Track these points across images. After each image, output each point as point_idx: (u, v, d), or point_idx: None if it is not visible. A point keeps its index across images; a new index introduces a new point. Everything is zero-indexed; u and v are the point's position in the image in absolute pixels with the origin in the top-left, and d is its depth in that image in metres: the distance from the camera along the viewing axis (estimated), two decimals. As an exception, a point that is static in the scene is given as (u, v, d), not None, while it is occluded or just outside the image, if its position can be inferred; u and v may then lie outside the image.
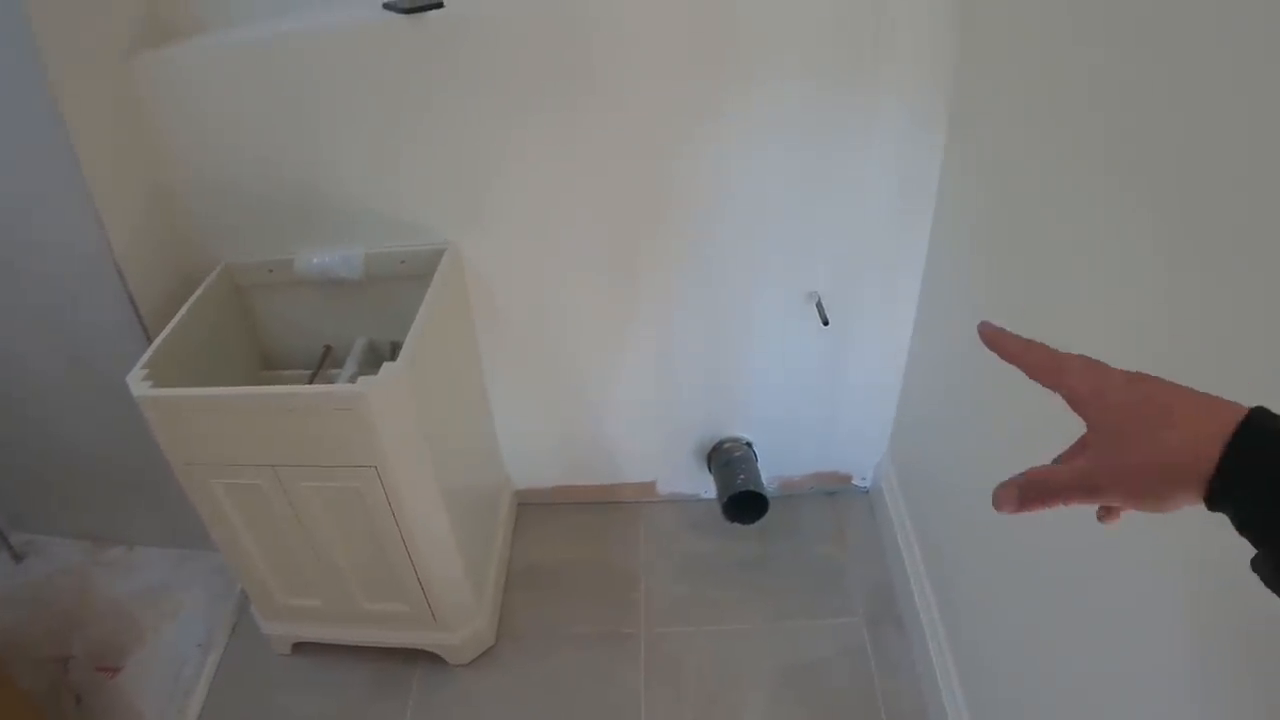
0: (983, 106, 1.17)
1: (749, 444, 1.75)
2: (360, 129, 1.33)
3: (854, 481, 1.88)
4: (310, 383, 1.55)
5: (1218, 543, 0.71)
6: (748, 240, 1.44)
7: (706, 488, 1.84)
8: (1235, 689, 0.70)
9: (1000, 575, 1.21)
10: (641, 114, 1.29)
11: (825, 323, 1.47)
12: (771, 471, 1.80)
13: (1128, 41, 0.80)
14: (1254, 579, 0.39)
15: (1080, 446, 0.51)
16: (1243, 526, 0.39)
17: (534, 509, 1.91)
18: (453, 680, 1.60)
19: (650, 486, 1.88)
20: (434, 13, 1.19)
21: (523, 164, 1.35)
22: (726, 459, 1.71)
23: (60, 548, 1.91)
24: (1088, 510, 0.96)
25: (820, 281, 1.49)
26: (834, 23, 1.20)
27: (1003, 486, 0.47)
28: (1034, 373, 0.49)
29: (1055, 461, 0.53)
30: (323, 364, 1.60)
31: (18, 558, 1.89)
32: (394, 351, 1.46)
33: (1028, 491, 0.46)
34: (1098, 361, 0.48)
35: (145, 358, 1.25)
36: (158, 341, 1.29)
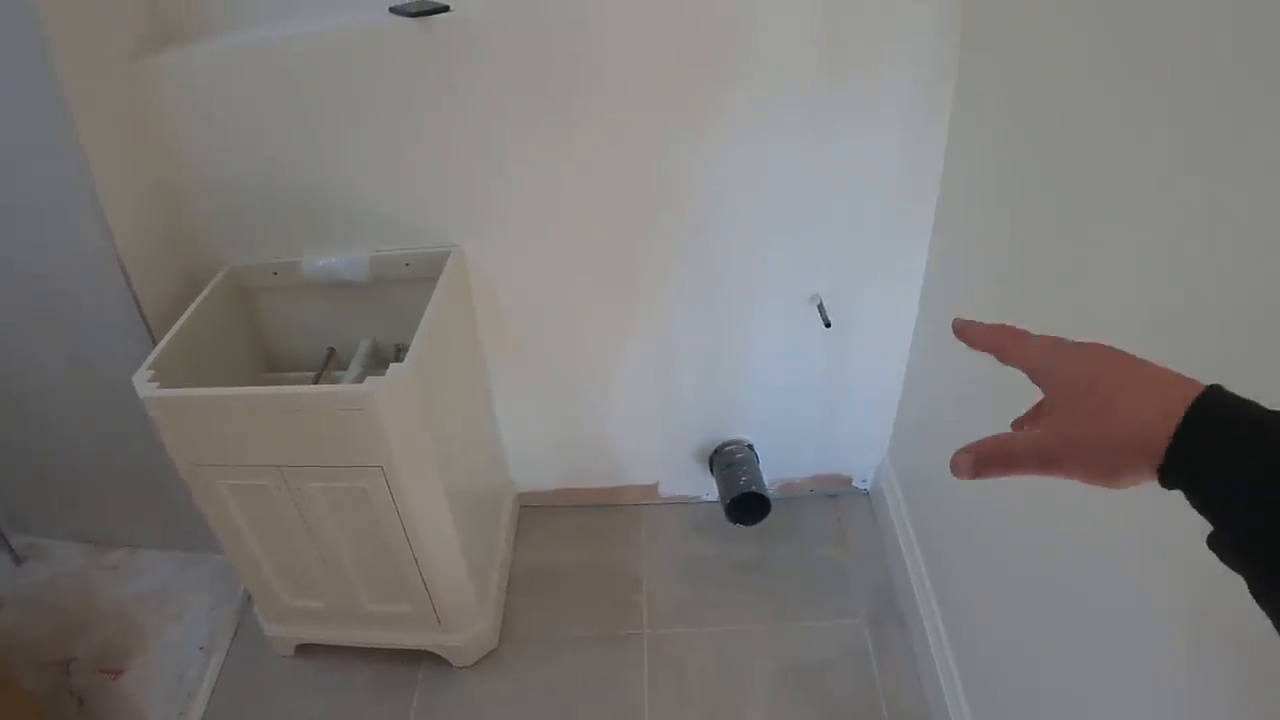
0: (985, 105, 1.18)
1: (750, 446, 1.76)
2: (366, 131, 1.34)
3: (855, 483, 1.89)
4: (315, 382, 1.56)
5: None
6: (749, 242, 1.45)
7: (708, 490, 1.84)
8: (1231, 690, 0.70)
9: (1001, 576, 1.22)
10: (641, 115, 1.30)
11: (827, 325, 1.48)
12: (773, 474, 1.81)
13: (1142, 35, 0.81)
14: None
15: (1036, 413, 0.51)
16: (1195, 501, 0.40)
17: (536, 511, 1.92)
18: (455, 682, 1.60)
19: (652, 489, 1.89)
20: (440, 16, 1.20)
21: (527, 166, 1.37)
22: (728, 461, 1.72)
23: (62, 550, 1.91)
24: (1089, 511, 0.96)
25: (821, 283, 1.50)
26: (826, 12, 1.20)
27: (961, 452, 0.47)
28: (1000, 354, 0.50)
29: (1014, 426, 0.54)
30: (326, 366, 1.61)
31: (19, 560, 1.89)
32: (398, 354, 1.47)
33: (983, 459, 0.47)
34: (1058, 338, 0.48)
35: (151, 359, 1.25)
36: (163, 343, 1.29)
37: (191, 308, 1.38)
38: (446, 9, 1.19)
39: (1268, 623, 0.37)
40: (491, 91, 1.28)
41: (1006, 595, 1.20)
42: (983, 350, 0.51)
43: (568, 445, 1.81)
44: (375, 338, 1.55)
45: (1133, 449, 0.41)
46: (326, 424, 1.21)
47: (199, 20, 1.34)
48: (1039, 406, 0.49)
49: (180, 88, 1.33)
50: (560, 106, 1.29)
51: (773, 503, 1.69)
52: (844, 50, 1.23)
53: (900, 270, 1.48)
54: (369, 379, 1.16)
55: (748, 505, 1.69)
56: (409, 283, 1.44)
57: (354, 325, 1.56)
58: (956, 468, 0.47)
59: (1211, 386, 0.41)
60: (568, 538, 1.87)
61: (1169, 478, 0.40)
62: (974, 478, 0.47)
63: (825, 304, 1.50)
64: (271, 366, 1.64)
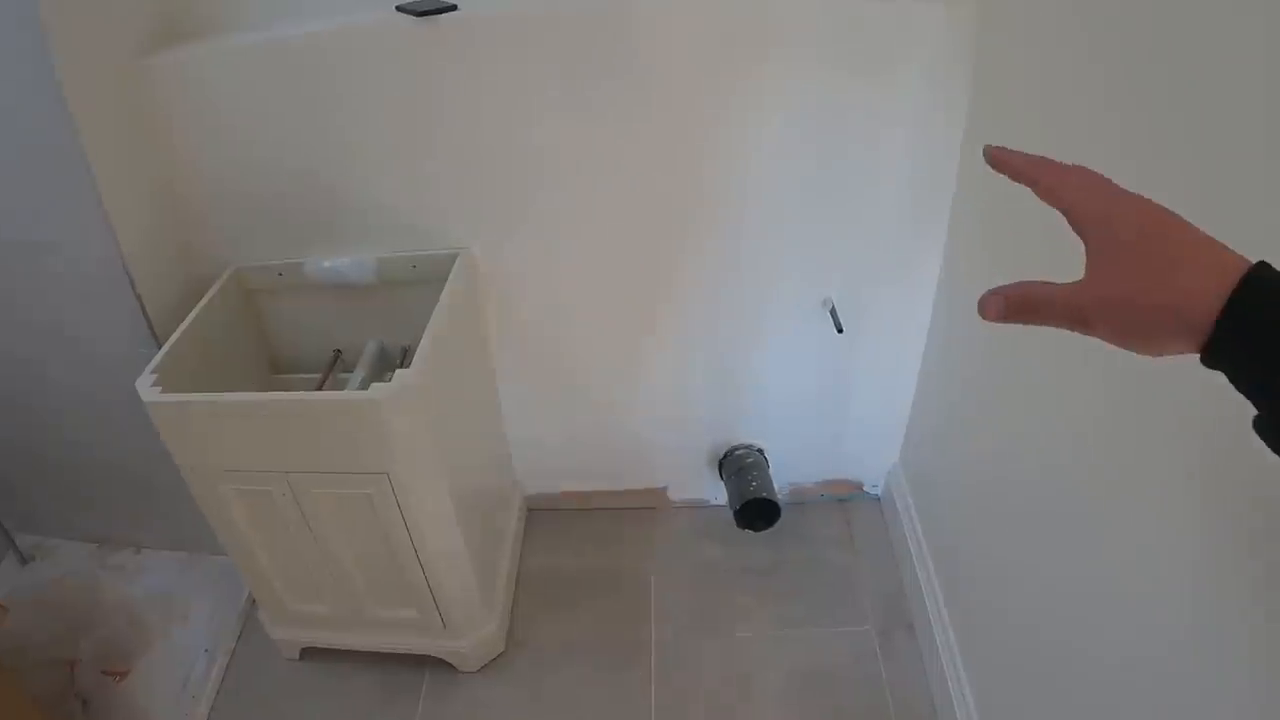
0: (1001, 109, 1.16)
1: (761, 450, 1.74)
2: (373, 132, 1.32)
3: (865, 488, 1.87)
4: (320, 387, 1.54)
5: (1230, 554, 0.71)
6: (761, 244, 1.42)
7: (718, 494, 1.82)
8: (1243, 697, 0.68)
9: (1012, 582, 1.20)
10: (656, 116, 1.28)
11: (840, 330, 1.45)
12: (783, 478, 1.79)
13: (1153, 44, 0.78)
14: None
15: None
16: (1240, 382, 0.38)
17: (544, 514, 1.91)
18: (461, 687, 1.59)
19: (662, 493, 1.87)
20: (447, 15, 1.18)
21: (537, 168, 1.35)
22: (738, 466, 1.70)
23: (68, 550, 1.91)
24: (1100, 516, 0.94)
25: (834, 287, 1.48)
26: (849, 15, 1.18)
27: (991, 293, 0.45)
28: (1041, 190, 0.47)
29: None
30: (333, 368, 1.59)
31: (25, 560, 1.88)
32: (405, 357, 1.45)
33: (1014, 304, 0.45)
34: (1104, 179, 0.45)
35: (154, 362, 1.24)
36: (166, 346, 1.28)
37: (196, 310, 1.36)
38: (453, 8, 1.17)
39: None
40: (500, 91, 1.26)
41: (1018, 601, 1.18)
42: (1019, 181, 0.48)
43: (576, 448, 1.79)
44: (382, 340, 1.54)
45: (1176, 318, 0.39)
46: (331, 430, 1.19)
47: (204, 19, 1.32)
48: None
49: (184, 87, 1.31)
50: (571, 106, 1.27)
51: (783, 508, 1.67)
52: (861, 52, 1.21)
53: (915, 274, 1.45)
54: (374, 385, 1.15)
55: (758, 511, 1.67)
56: (416, 285, 1.42)
57: (360, 327, 1.55)
58: (984, 307, 0.45)
59: (1260, 263, 0.39)
60: (576, 541, 1.85)
61: (1213, 354, 0.38)
62: (1001, 320, 0.45)
63: (838, 308, 1.48)
64: (277, 368, 1.63)
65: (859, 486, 1.87)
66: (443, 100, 1.28)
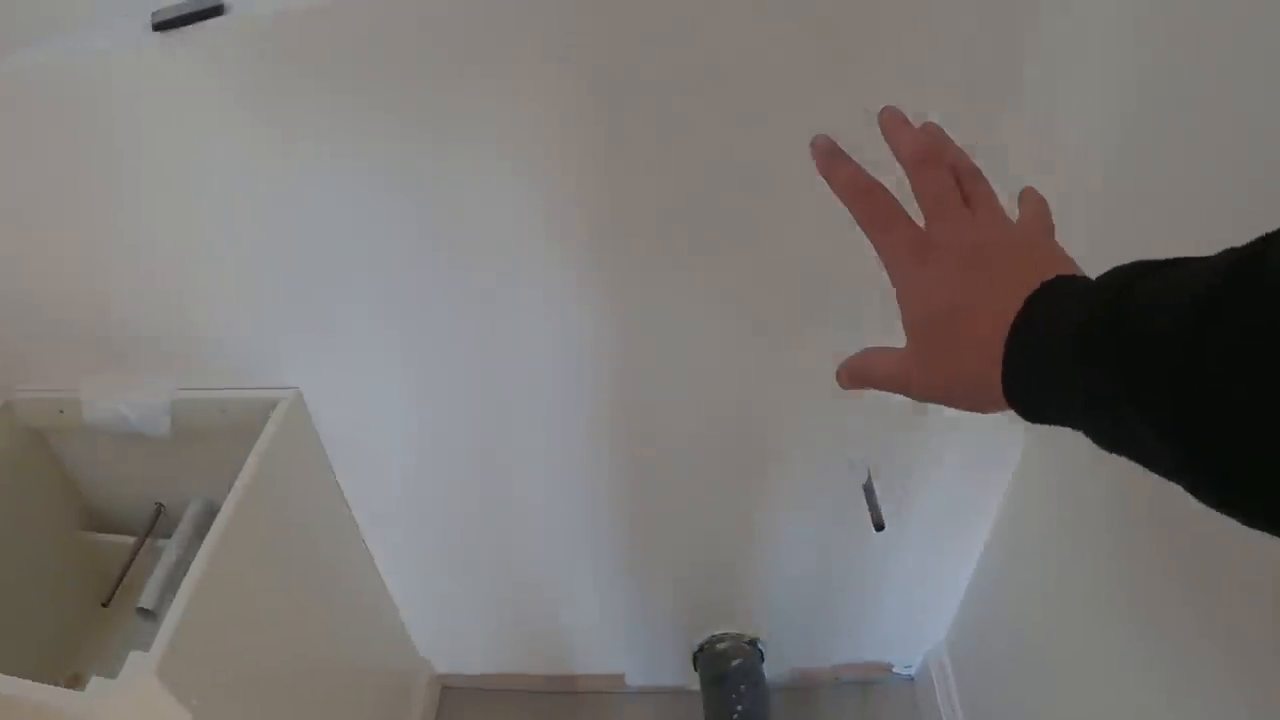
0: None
1: (753, 643, 1.25)
2: (148, 213, 0.87)
3: (895, 669, 1.38)
4: (136, 553, 1.13)
5: None
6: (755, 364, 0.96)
7: (692, 678, 1.35)
8: None
9: None
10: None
11: (879, 527, 0.96)
12: (784, 665, 1.31)
13: None
14: None
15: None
16: (1072, 423, 0.34)
17: (466, 696, 1.44)
18: None
19: (618, 679, 1.40)
20: (215, 23, 0.73)
21: (386, 261, 0.89)
22: (721, 671, 1.22)
23: None
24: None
25: (864, 438, 0.99)
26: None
27: (841, 365, 0.45)
28: (864, 224, 0.42)
29: None
30: (153, 528, 1.17)
31: None
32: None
33: (854, 375, 0.44)
34: (925, 238, 0.40)
35: None
36: None
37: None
38: (219, 10, 0.72)
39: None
40: (309, 147, 0.80)
41: None
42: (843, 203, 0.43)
43: (497, 621, 1.33)
44: (208, 498, 1.11)
45: (978, 396, 0.37)
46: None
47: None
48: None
49: None
50: (420, 158, 0.79)
51: (785, 698, 1.20)
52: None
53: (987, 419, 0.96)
54: (94, 681, 0.71)
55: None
56: (229, 435, 0.99)
57: (184, 474, 1.12)
58: (838, 376, 0.45)
59: (1028, 302, 0.35)
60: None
61: (1025, 414, 0.36)
62: (851, 388, 0.45)
63: (873, 471, 0.99)
64: (89, 523, 1.21)
65: (887, 668, 1.38)
66: (231, 168, 0.82)
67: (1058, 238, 0.42)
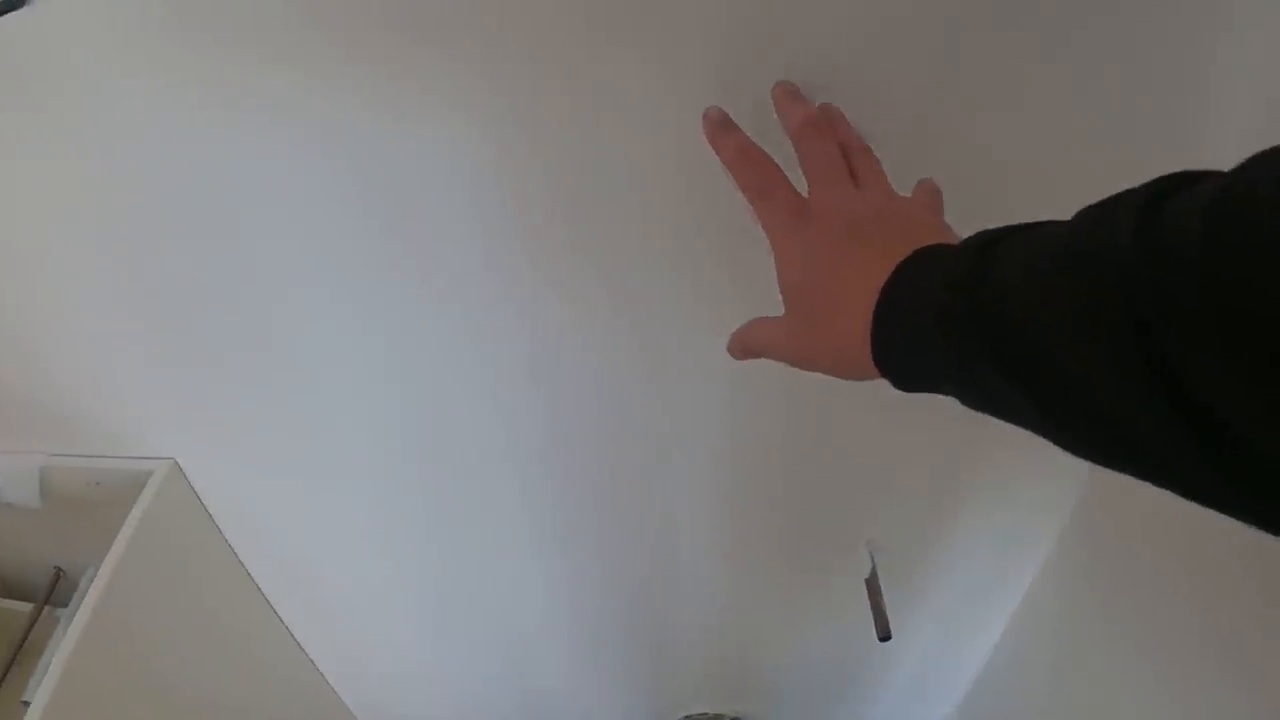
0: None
1: (734, 723, 1.11)
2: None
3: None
4: (34, 622, 1.04)
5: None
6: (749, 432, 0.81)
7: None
8: None
9: None
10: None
11: (885, 637, 0.81)
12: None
13: None
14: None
15: None
16: (947, 391, 0.34)
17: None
18: None
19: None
20: (15, 17, 0.58)
21: (291, 320, 0.76)
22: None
23: None
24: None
25: (879, 523, 0.84)
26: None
27: (732, 337, 0.45)
28: (746, 190, 0.42)
29: None
30: (51, 594, 1.07)
31: None
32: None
33: (742, 347, 0.45)
34: (805, 205, 0.41)
35: None
36: None
37: None
38: (19, 5, 0.58)
39: None
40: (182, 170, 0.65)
41: None
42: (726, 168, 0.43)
43: (436, 684, 1.22)
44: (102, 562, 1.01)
45: (850, 364, 0.37)
46: None
47: None
48: None
49: None
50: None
51: None
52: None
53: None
54: None
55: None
56: (106, 506, 0.88)
57: (81, 539, 1.02)
58: (730, 352, 0.46)
59: (897, 269, 0.34)
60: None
61: (899, 384, 0.36)
62: (742, 359, 0.45)
63: (883, 550, 0.84)
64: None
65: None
66: (72, 195, 0.66)
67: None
